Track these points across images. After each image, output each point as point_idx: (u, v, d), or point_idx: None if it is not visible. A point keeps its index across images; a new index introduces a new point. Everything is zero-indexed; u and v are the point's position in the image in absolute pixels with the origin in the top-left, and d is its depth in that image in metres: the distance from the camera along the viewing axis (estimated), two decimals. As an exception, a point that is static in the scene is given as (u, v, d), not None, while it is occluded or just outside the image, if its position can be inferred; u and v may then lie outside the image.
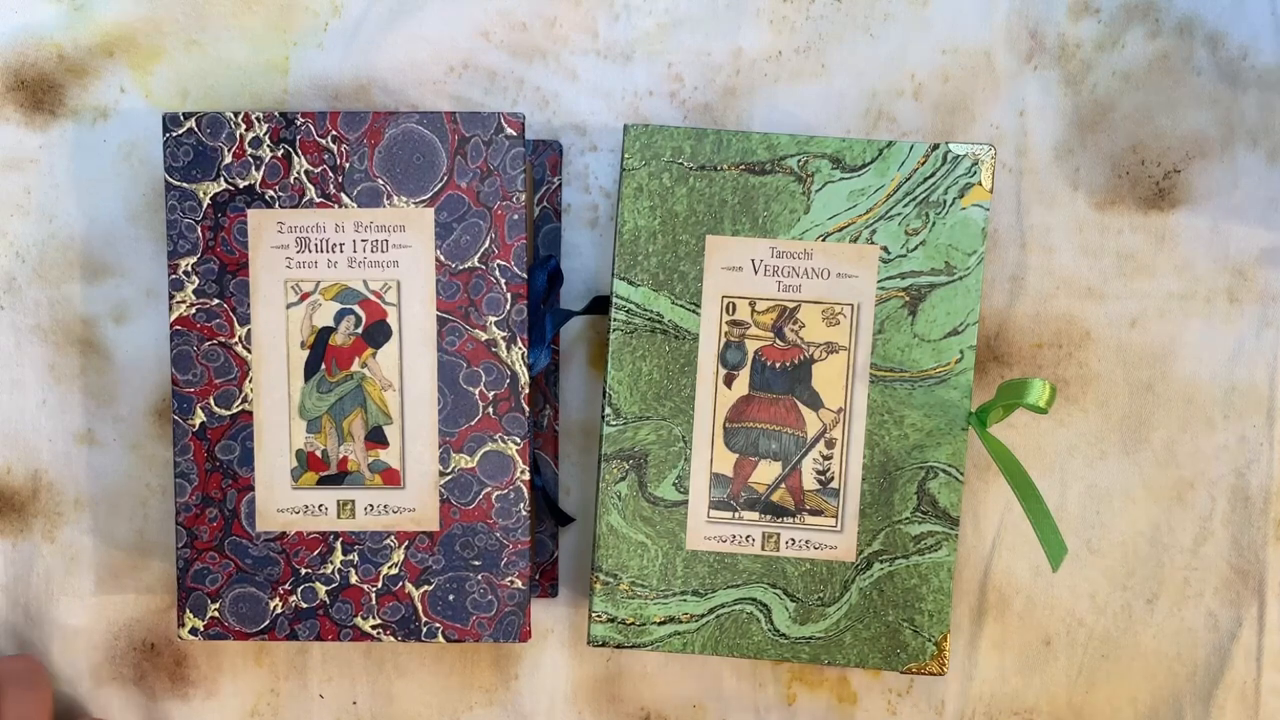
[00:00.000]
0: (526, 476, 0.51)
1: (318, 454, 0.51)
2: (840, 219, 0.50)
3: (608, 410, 0.51)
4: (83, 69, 0.56)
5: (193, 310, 0.51)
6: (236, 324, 0.51)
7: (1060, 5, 0.55)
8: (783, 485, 0.51)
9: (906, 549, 0.51)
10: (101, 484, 0.57)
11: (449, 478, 0.51)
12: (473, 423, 0.51)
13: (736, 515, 0.51)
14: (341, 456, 0.51)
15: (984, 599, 0.57)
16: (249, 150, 0.51)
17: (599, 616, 0.51)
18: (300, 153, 0.50)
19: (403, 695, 0.58)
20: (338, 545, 0.52)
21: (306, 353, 0.51)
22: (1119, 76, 0.55)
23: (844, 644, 0.51)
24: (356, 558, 0.51)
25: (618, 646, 0.51)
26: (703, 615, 0.51)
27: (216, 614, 0.52)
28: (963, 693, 0.57)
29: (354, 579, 0.52)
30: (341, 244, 0.51)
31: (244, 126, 0.50)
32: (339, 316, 0.51)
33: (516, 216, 0.51)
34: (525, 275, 0.51)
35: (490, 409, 0.51)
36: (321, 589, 0.52)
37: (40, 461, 0.57)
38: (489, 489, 0.51)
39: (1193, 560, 0.56)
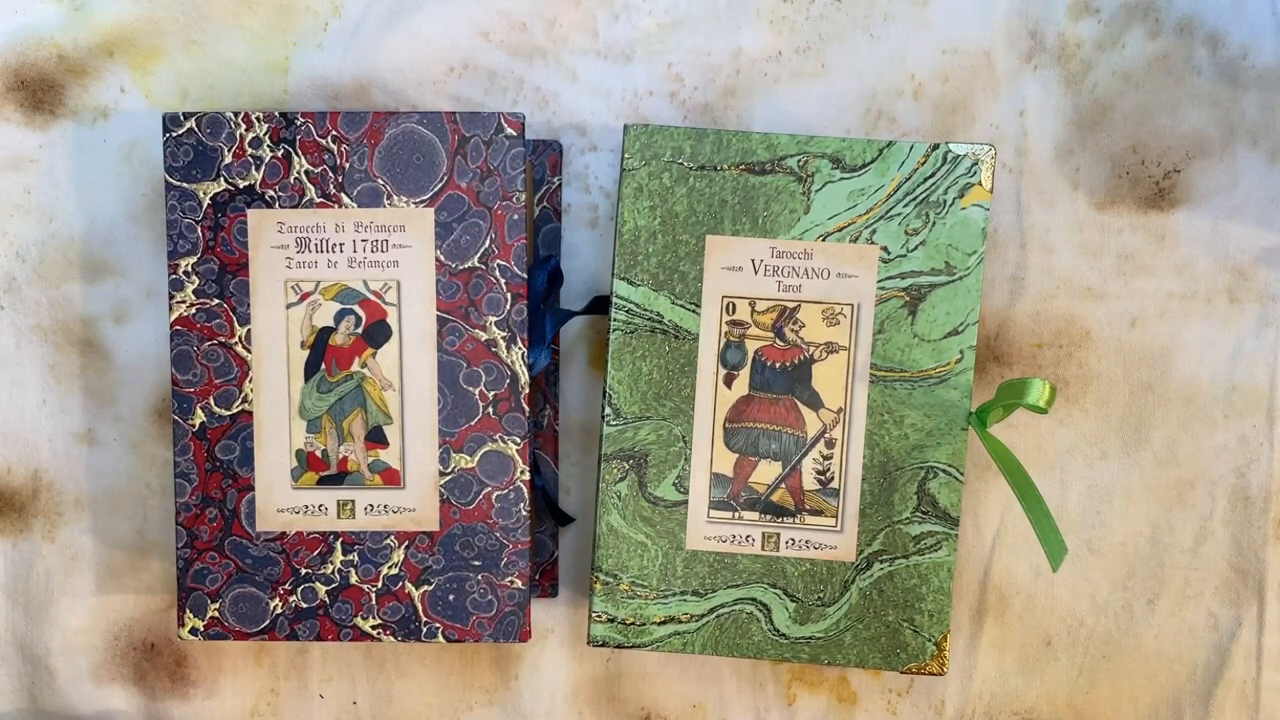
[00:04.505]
0: (526, 476, 0.51)
1: (318, 454, 0.51)
2: (840, 219, 0.50)
3: (608, 410, 0.51)
4: (83, 69, 0.56)
5: (193, 310, 0.51)
6: (236, 324, 0.51)
7: (1060, 5, 0.55)
8: (783, 485, 0.51)
9: (906, 549, 0.51)
10: (101, 484, 0.57)
11: (449, 478, 0.51)
12: (473, 423, 0.51)
13: (736, 515, 0.51)
14: (341, 456, 0.51)
15: (984, 599, 0.57)
16: (249, 150, 0.50)
17: (599, 616, 0.51)
18: (300, 153, 0.50)
19: (403, 695, 0.58)
20: (338, 545, 0.51)
21: (306, 353, 0.51)
22: (1119, 76, 0.55)
23: (844, 644, 0.51)
24: (356, 558, 0.51)
25: (618, 646, 0.51)
26: (703, 615, 0.51)
27: (216, 614, 0.52)
28: (963, 693, 0.57)
29: (354, 579, 0.52)
30: (341, 244, 0.51)
31: (244, 126, 0.50)
32: (339, 316, 0.51)
33: (516, 216, 0.51)
34: (525, 275, 0.51)
35: (490, 409, 0.51)
36: (321, 589, 0.52)
37: (40, 461, 0.57)
38: (489, 489, 0.51)
39: (1193, 560, 0.56)
